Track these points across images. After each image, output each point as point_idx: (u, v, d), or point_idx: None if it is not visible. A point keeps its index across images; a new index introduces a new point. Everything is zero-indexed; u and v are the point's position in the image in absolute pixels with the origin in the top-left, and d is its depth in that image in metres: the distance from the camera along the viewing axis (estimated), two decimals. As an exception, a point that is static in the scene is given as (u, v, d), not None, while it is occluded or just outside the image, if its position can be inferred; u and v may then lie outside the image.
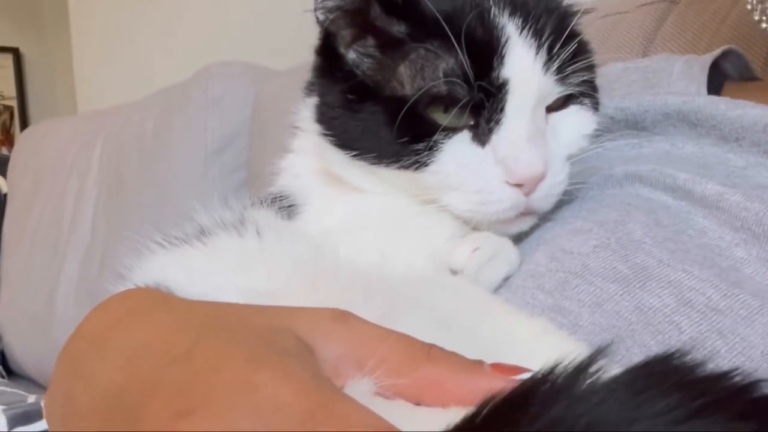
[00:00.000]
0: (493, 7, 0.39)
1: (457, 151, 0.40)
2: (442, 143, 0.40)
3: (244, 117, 1.32)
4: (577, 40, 0.41)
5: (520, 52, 0.39)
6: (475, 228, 0.42)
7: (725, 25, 0.69)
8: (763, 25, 0.49)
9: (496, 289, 0.41)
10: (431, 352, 0.28)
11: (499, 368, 0.27)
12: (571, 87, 0.42)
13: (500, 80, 0.39)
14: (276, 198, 0.45)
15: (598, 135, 0.45)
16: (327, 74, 0.44)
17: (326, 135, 0.43)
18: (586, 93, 0.43)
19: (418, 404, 0.27)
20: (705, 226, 0.39)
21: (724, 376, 0.23)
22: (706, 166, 0.43)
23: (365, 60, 0.42)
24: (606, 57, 0.51)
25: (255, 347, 0.26)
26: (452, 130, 0.40)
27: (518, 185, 0.40)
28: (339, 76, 0.42)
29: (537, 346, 0.33)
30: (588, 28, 0.45)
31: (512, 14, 0.39)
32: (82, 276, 1.50)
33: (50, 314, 1.52)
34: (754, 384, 0.23)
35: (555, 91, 0.41)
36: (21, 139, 1.99)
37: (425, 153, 0.40)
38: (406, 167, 0.40)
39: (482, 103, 0.39)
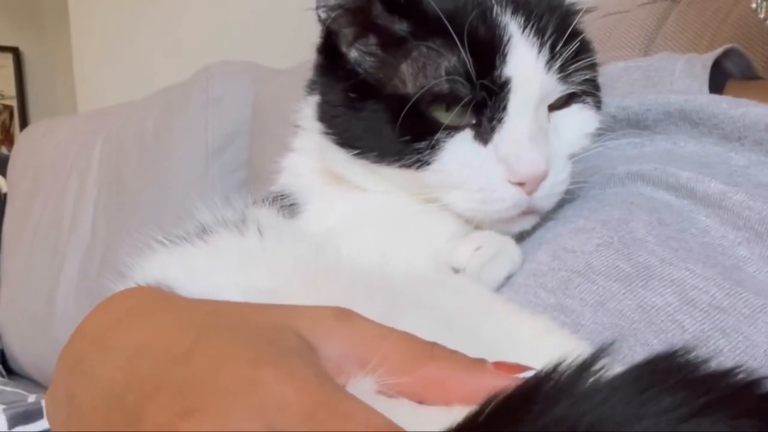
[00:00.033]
0: (495, 6, 0.39)
1: (459, 150, 0.40)
2: (444, 142, 0.40)
3: (245, 116, 1.32)
4: (579, 38, 0.41)
5: (523, 50, 0.39)
6: (477, 227, 0.42)
7: (727, 24, 0.68)
8: (768, 23, 0.49)
9: (499, 288, 0.41)
10: (434, 350, 0.28)
11: (502, 366, 0.27)
12: (574, 86, 0.42)
13: (502, 79, 0.39)
14: (277, 197, 0.45)
15: (600, 134, 0.45)
16: (329, 73, 0.44)
17: (328, 134, 0.43)
18: (588, 92, 0.43)
19: (420, 403, 0.27)
20: (708, 225, 0.39)
21: (728, 373, 0.23)
22: (708, 165, 0.43)
23: (367, 58, 0.42)
24: (607, 56, 0.50)
25: (257, 346, 0.26)
26: (454, 129, 0.40)
27: (520, 184, 0.40)
28: (341, 75, 0.42)
29: (539, 345, 0.33)
30: (589, 27, 0.45)
31: (514, 13, 0.39)
32: (82, 275, 1.50)
33: (50, 314, 1.52)
34: (757, 381, 0.23)
35: (557, 89, 0.41)
36: (21, 138, 1.98)
37: (427, 152, 0.40)
38: (408, 166, 0.40)
39: (484, 102, 0.39)
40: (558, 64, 0.40)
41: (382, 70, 0.41)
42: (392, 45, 0.41)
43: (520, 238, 0.44)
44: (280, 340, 0.27)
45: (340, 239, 0.40)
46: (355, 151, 0.42)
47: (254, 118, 1.30)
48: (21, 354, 1.63)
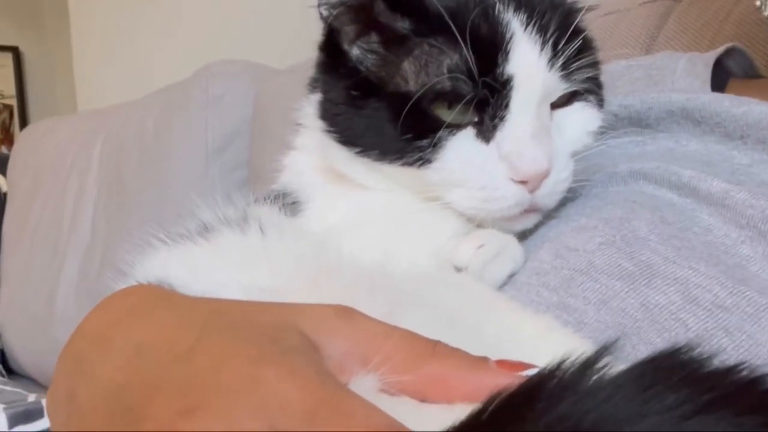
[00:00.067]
0: (497, 3, 0.39)
1: (461, 148, 0.40)
2: (446, 140, 0.40)
3: (245, 116, 1.32)
4: (581, 36, 0.41)
5: (525, 48, 0.39)
6: (480, 225, 0.42)
7: (728, 23, 0.68)
8: (773, 22, 0.49)
9: (501, 287, 0.40)
10: (436, 348, 0.28)
11: (505, 365, 0.27)
12: (576, 84, 0.42)
13: (505, 76, 0.39)
14: (279, 195, 0.45)
15: (602, 132, 0.45)
16: (330, 70, 0.44)
17: (329, 131, 0.43)
18: (590, 90, 0.43)
19: (423, 401, 0.27)
20: (710, 224, 0.39)
21: (731, 370, 0.23)
22: (711, 164, 0.43)
23: (369, 56, 0.42)
24: (608, 54, 0.50)
25: (259, 344, 0.26)
26: (456, 127, 0.40)
27: (522, 182, 0.40)
28: (342, 73, 0.42)
29: (542, 344, 0.33)
30: (590, 25, 0.45)
31: (517, 10, 0.39)
32: (82, 275, 1.50)
33: (50, 313, 1.52)
34: (761, 378, 0.22)
35: (560, 87, 0.41)
36: (21, 138, 1.98)
37: (429, 149, 0.40)
38: (410, 164, 0.40)
39: (487, 100, 0.39)
40: (560, 61, 0.40)
41: (384, 68, 0.41)
42: (394, 43, 0.41)
43: (523, 236, 0.44)
44: (282, 338, 0.26)
45: (342, 237, 0.40)
46: (357, 149, 0.42)
47: (254, 118, 1.30)
48: (21, 353, 1.63)
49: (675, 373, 0.23)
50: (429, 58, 0.39)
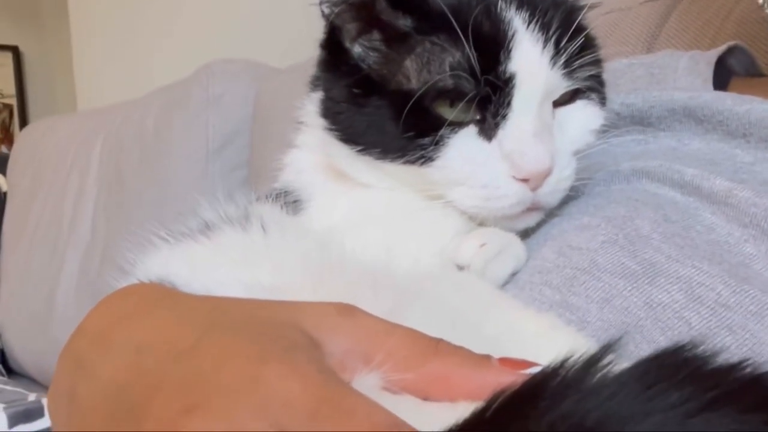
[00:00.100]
0: (500, 1, 0.39)
1: (463, 146, 0.40)
2: (448, 138, 0.40)
3: (245, 115, 1.32)
4: (584, 34, 0.41)
5: (527, 46, 0.39)
6: (482, 224, 0.42)
7: (729, 22, 0.68)
8: (775, 20, 0.49)
9: (503, 285, 0.40)
10: (439, 346, 0.27)
11: (508, 363, 0.27)
12: (579, 81, 0.41)
13: (507, 74, 0.39)
14: (280, 193, 0.45)
15: (604, 131, 0.45)
16: (332, 68, 0.43)
17: (331, 130, 0.43)
18: (593, 88, 0.43)
19: (425, 399, 0.27)
20: (713, 222, 0.39)
21: (735, 367, 0.23)
22: (714, 162, 0.43)
23: (371, 54, 0.41)
24: (610, 51, 0.50)
25: (261, 342, 0.26)
26: (458, 125, 0.40)
27: (525, 180, 0.40)
28: (344, 71, 0.42)
29: (545, 342, 0.32)
30: (591, 24, 0.45)
31: (519, 8, 0.39)
32: (82, 274, 1.50)
33: (50, 313, 1.52)
34: (765, 375, 0.22)
35: (562, 85, 0.41)
36: (20, 137, 1.98)
37: (431, 148, 0.40)
38: (412, 162, 0.40)
39: (489, 98, 0.39)
40: (563, 59, 0.40)
41: (386, 66, 0.41)
42: (396, 40, 0.41)
43: (525, 234, 0.43)
44: (284, 336, 0.26)
45: (344, 236, 0.40)
46: (359, 147, 0.42)
47: (255, 117, 1.30)
48: (21, 353, 1.63)
49: (679, 370, 0.22)
50: (431, 55, 0.39)
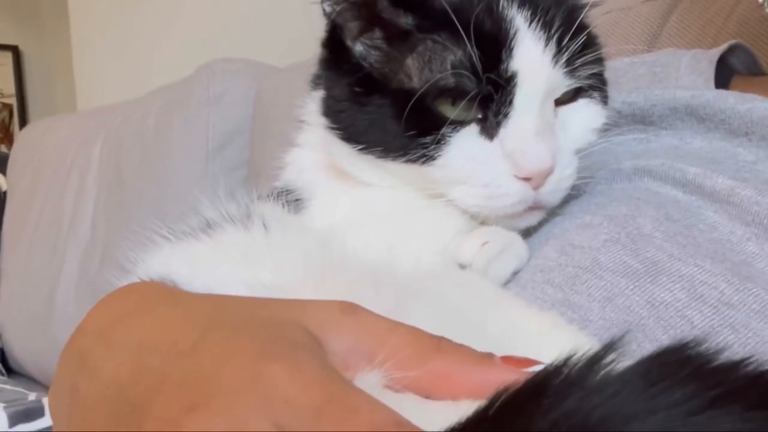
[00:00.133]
0: None
1: (464, 145, 0.40)
2: (449, 137, 0.39)
3: (246, 114, 1.32)
4: (586, 32, 0.41)
5: (529, 44, 0.39)
6: (483, 223, 0.42)
7: (731, 20, 0.68)
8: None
9: (505, 284, 0.40)
10: (441, 344, 0.27)
11: (510, 361, 0.27)
12: (580, 80, 0.41)
13: (509, 73, 0.39)
14: (282, 192, 0.45)
15: (606, 129, 0.45)
16: (333, 67, 0.43)
17: (332, 128, 0.43)
18: (595, 86, 0.43)
19: (427, 397, 0.27)
20: (716, 221, 0.39)
21: (739, 365, 0.22)
22: (716, 161, 0.43)
23: (372, 52, 0.41)
24: (611, 50, 0.50)
25: (263, 340, 0.26)
26: (460, 124, 0.40)
27: (526, 179, 0.40)
28: (346, 69, 0.42)
29: (547, 341, 0.32)
30: (592, 23, 0.45)
31: (521, 6, 0.39)
32: (82, 274, 1.49)
33: (50, 312, 1.52)
34: (768, 372, 0.22)
35: (564, 84, 0.41)
36: (20, 136, 1.98)
37: (432, 146, 0.40)
38: (414, 161, 0.40)
39: (490, 96, 0.39)
40: (565, 58, 0.40)
41: (388, 64, 0.41)
42: (398, 39, 0.40)
43: (527, 233, 0.43)
44: (286, 334, 0.26)
45: (346, 234, 0.40)
46: (360, 146, 0.42)
47: (255, 116, 1.30)
48: (21, 352, 1.63)
49: (682, 368, 0.22)
50: (432, 54, 0.39)
